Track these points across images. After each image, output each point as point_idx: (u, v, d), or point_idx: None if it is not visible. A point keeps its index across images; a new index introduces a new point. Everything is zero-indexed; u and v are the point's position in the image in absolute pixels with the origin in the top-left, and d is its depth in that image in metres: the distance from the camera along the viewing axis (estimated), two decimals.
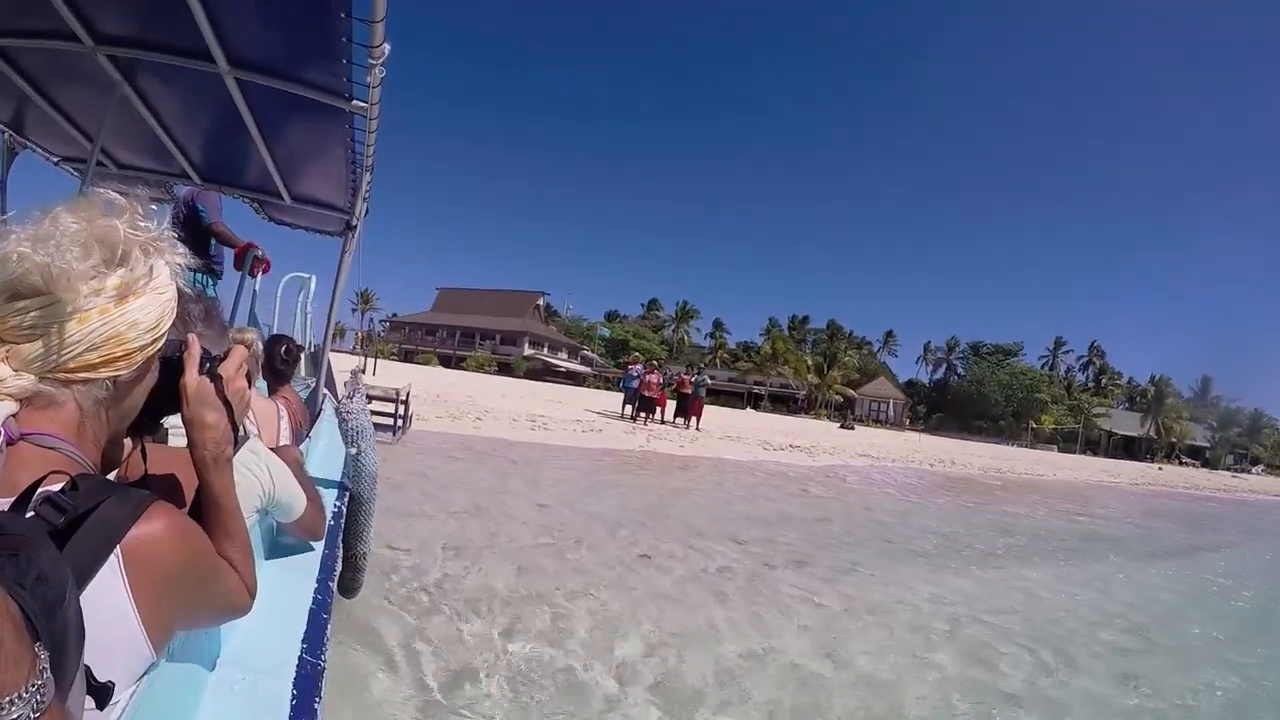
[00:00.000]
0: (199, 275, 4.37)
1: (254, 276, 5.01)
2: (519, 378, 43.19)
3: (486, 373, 44.93)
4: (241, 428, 0.97)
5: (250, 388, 1.02)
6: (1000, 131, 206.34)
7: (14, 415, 0.67)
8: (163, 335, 0.81)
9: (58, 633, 0.51)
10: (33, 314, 0.69)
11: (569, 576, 4.49)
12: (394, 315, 71.34)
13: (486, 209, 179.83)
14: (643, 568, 4.99)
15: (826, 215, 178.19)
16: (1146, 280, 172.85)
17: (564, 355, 65.25)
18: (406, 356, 50.47)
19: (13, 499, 0.62)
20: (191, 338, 0.89)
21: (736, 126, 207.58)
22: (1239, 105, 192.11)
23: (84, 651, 0.56)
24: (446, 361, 51.27)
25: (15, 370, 0.69)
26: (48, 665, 0.46)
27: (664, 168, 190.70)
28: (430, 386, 17.64)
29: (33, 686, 0.44)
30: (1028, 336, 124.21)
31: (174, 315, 0.82)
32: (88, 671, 0.58)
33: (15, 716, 0.43)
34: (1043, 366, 79.15)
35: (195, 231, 4.40)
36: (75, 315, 0.71)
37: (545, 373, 54.37)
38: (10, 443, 0.66)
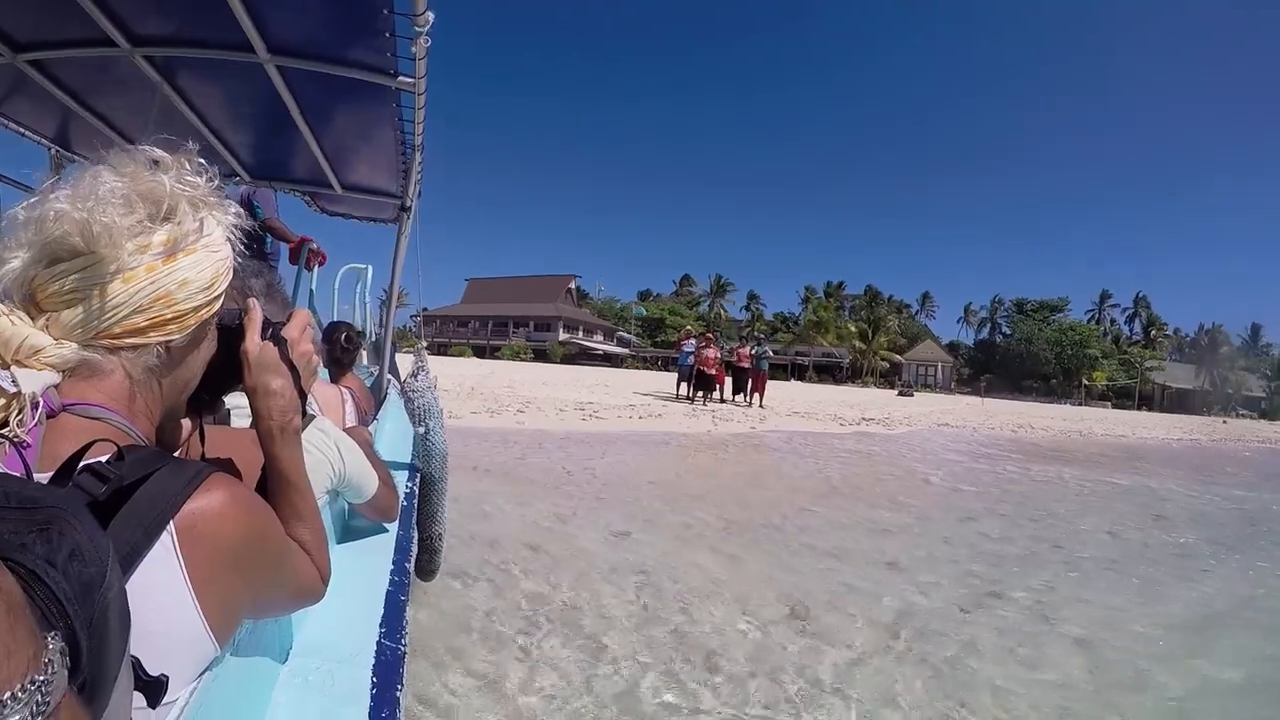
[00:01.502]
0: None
1: (310, 270, 5.02)
2: (556, 363, 43.40)
3: (522, 360, 45.21)
4: (309, 399, 0.90)
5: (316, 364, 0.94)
6: (1027, 88, 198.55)
7: (55, 386, 0.62)
8: (218, 297, 0.75)
9: (97, 618, 0.44)
10: (73, 277, 0.64)
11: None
12: (424, 309, 71.80)
13: (509, 196, 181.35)
14: (802, 647, 3.18)
15: (854, 179, 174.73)
16: (1185, 225, 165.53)
17: (600, 338, 65.44)
18: (439, 350, 51.06)
19: (52, 473, 0.55)
20: (252, 302, 0.84)
21: (757, 97, 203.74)
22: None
23: (131, 641, 0.49)
24: (480, 352, 51.75)
25: (56, 339, 0.64)
26: (57, 656, 0.39)
27: (685, 142, 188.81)
28: (464, 379, 16.91)
29: (33, 683, 0.36)
30: (1066, 291, 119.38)
31: (229, 276, 0.76)
32: (136, 664, 0.52)
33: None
34: (1089, 321, 76.60)
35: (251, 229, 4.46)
36: (119, 275, 0.66)
37: (582, 356, 54.63)
38: (52, 415, 0.61)
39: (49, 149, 3.58)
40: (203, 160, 0.75)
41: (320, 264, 5.08)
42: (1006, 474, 10.10)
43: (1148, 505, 8.26)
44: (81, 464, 0.56)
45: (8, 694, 0.35)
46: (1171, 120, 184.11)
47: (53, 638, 0.40)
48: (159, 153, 0.71)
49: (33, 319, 0.64)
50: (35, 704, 0.36)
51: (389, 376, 3.70)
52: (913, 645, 3.31)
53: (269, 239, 4.69)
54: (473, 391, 14.49)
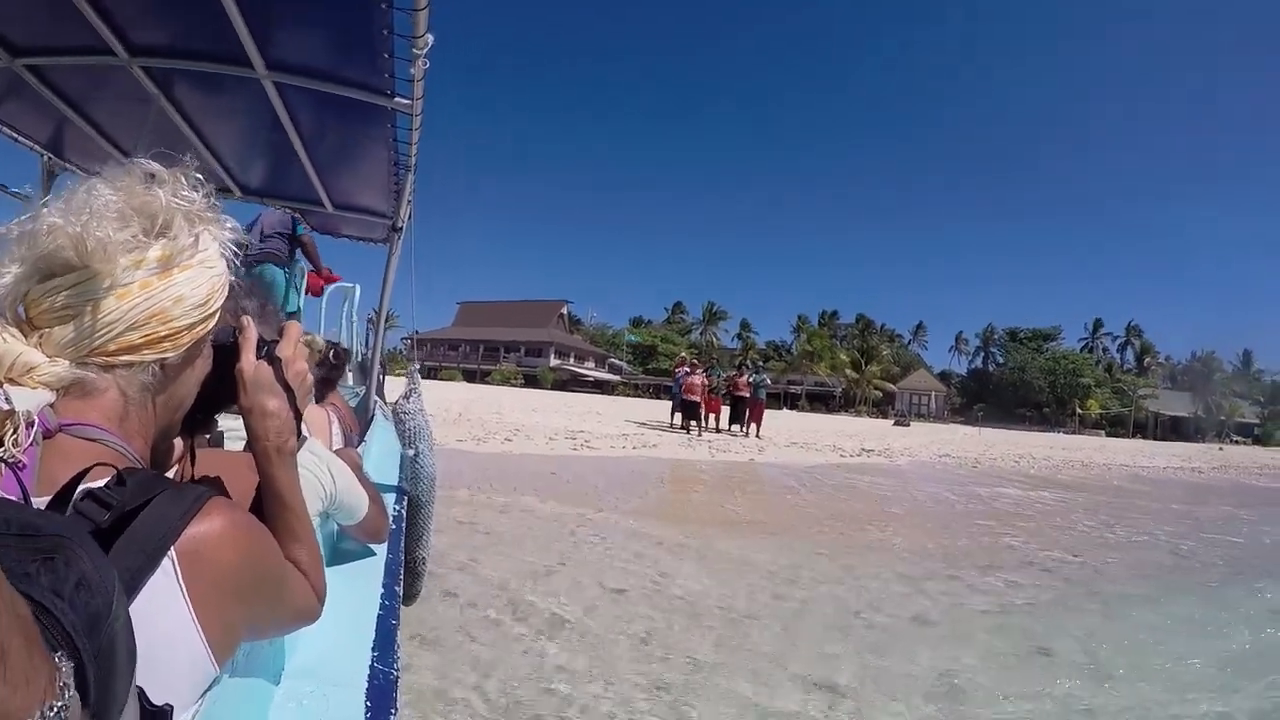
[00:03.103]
0: (269, 267, 4.51)
1: (319, 296, 5.12)
2: (547, 389, 43.30)
3: (512, 386, 45.03)
4: (304, 419, 0.90)
5: (310, 388, 0.94)
6: (1023, 111, 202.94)
7: (51, 405, 0.61)
8: (214, 314, 0.74)
9: (104, 650, 0.44)
10: (65, 292, 0.64)
11: None
12: (416, 332, 71.69)
13: (502, 219, 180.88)
14: None
15: (846, 209, 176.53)
16: (1175, 253, 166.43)
17: (591, 364, 65.28)
18: (429, 374, 50.61)
19: (50, 497, 0.55)
20: (246, 320, 0.83)
21: (749, 122, 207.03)
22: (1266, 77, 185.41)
23: (136, 671, 0.49)
24: (471, 376, 51.49)
25: (49, 357, 0.63)
26: (70, 680, 0.38)
27: (678, 170, 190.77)
28: (450, 405, 16.27)
29: (51, 710, 0.35)
30: (1059, 320, 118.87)
31: (225, 294, 0.76)
32: (140, 694, 0.51)
33: None
34: (1082, 349, 77.07)
35: (289, 238, 4.71)
36: (113, 291, 0.65)
37: (573, 383, 54.50)
38: (48, 435, 0.60)
39: (42, 156, 3.58)
40: (200, 175, 0.74)
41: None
42: (1032, 518, 9.05)
43: (1205, 554, 7.26)
44: (81, 488, 0.55)
45: None
46: (1162, 148, 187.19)
47: (62, 659, 0.39)
48: (155, 166, 0.71)
49: (25, 336, 0.63)
50: None
51: (376, 398, 3.67)
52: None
53: (298, 252, 4.89)
54: (460, 418, 14.16)
